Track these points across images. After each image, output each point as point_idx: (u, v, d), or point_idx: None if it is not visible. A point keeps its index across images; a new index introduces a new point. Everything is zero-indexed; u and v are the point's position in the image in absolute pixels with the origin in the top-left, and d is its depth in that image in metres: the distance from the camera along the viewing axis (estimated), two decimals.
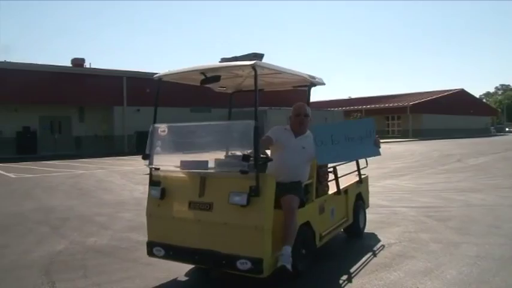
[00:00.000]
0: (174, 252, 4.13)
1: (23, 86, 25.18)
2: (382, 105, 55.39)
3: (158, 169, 4.32)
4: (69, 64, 32.04)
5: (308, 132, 4.64)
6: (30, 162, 20.54)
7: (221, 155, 4.46)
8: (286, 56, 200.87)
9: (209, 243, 3.91)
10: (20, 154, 25.25)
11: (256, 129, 3.69)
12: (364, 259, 4.98)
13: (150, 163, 4.32)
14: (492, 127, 69.83)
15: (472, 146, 29.86)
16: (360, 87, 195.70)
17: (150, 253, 4.31)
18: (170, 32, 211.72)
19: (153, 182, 4.32)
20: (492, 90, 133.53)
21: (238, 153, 3.96)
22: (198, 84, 4.43)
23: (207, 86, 4.67)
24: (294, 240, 3.97)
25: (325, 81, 5.23)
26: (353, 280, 4.30)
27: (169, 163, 4.33)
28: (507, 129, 77.56)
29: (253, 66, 3.84)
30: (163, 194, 4.21)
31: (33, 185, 12.59)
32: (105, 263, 5.01)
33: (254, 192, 3.70)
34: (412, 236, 6.01)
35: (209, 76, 4.21)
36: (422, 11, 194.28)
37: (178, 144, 4.45)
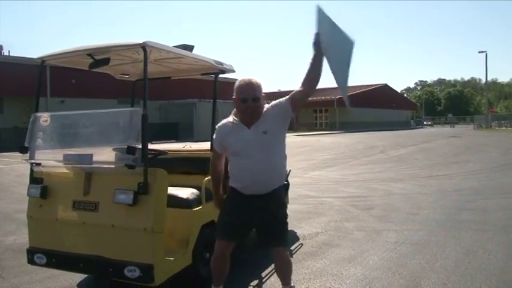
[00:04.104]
0: (56, 260, 3.66)
1: None
2: (310, 99, 56.63)
3: (40, 164, 3.80)
4: None
5: (265, 108, 3.28)
6: None
7: (108, 147, 3.83)
8: (216, 48, 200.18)
9: (95, 248, 3.47)
10: None
11: (144, 118, 3.31)
12: (291, 249, 5.10)
13: (31, 157, 3.78)
14: (412, 120, 74.14)
15: (394, 139, 31.47)
16: (289, 80, 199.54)
17: (31, 261, 3.79)
18: (102, 23, 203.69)
19: (34, 179, 3.80)
20: (412, 85, 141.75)
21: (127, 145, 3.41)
22: (87, 68, 3.95)
23: (99, 70, 4.15)
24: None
25: (237, 71, 4.69)
26: None
27: (51, 157, 3.84)
28: (425, 122, 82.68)
29: (143, 47, 3.44)
30: (45, 192, 3.69)
31: None
32: (26, 262, 4.75)
33: (142, 190, 3.28)
34: (338, 225, 6.26)
35: (97, 59, 3.71)
36: (347, 8, 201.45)
37: (62, 136, 3.93)
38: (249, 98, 3.16)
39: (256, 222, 3.29)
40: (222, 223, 3.39)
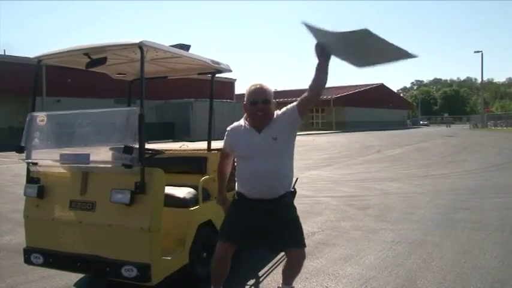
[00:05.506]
0: (53, 260, 3.64)
1: None
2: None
3: (36, 164, 3.79)
4: None
5: (275, 115, 3.29)
6: None
7: (105, 146, 3.83)
8: (213, 47, 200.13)
9: (92, 247, 3.47)
10: None
11: (141, 117, 3.31)
12: None
13: (27, 157, 3.77)
14: (408, 120, 74.37)
15: (390, 138, 31.55)
16: (285, 79, 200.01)
17: (28, 261, 3.77)
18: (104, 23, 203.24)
19: (31, 179, 3.78)
20: (408, 85, 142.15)
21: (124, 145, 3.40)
22: (84, 68, 3.94)
23: (95, 70, 4.14)
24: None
25: (235, 71, 4.74)
26: (276, 269, 4.38)
27: (48, 156, 3.83)
28: (421, 122, 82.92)
29: (139, 46, 3.44)
30: (41, 192, 3.69)
31: None
32: (22, 262, 4.74)
33: (139, 189, 3.29)
34: (334, 224, 6.27)
35: (94, 59, 3.71)
36: (342, 8, 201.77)
37: (58, 135, 3.93)
38: (259, 100, 3.17)
39: (265, 227, 3.20)
40: (226, 225, 3.34)
